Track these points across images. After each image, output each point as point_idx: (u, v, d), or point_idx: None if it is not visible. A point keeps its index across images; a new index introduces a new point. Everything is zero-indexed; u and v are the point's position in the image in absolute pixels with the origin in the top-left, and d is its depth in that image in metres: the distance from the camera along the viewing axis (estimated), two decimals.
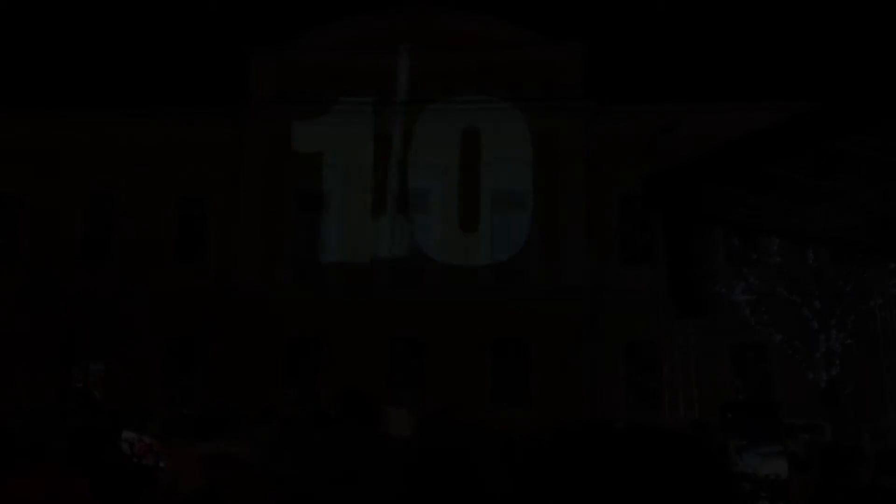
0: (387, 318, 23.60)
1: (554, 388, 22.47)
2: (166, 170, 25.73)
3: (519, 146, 24.99)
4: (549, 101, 25.40)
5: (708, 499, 0.66)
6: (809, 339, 21.47)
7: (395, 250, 25.34)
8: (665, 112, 23.40)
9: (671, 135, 16.46)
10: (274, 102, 26.16)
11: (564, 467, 0.73)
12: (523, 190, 25.36)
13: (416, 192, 25.56)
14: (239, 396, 18.83)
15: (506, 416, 20.34)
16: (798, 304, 21.52)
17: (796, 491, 6.67)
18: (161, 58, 36.24)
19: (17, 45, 40.20)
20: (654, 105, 24.32)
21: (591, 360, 20.72)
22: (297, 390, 24.53)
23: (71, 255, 22.94)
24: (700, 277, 10.46)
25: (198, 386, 24.54)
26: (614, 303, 23.24)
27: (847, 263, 20.45)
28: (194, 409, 19.22)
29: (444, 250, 24.78)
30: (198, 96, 26.80)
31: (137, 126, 26.26)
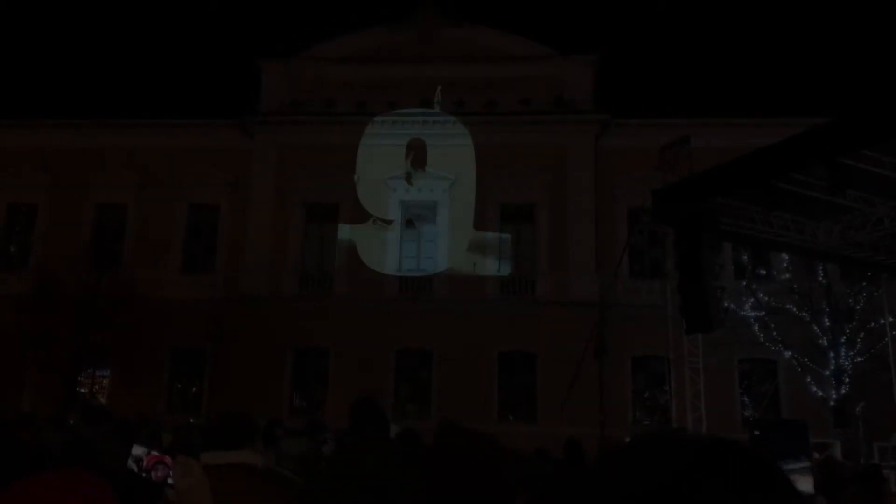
0: (394, 330, 23.57)
1: (561, 402, 22.31)
2: (176, 179, 25.86)
3: (528, 159, 25.01)
4: (558, 115, 25.41)
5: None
6: (819, 356, 21.32)
7: (403, 262, 25.35)
8: (675, 126, 23.34)
9: (681, 149, 16.41)
10: (284, 113, 26.27)
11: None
12: (532, 203, 25.36)
13: (425, 203, 25.60)
14: (245, 405, 18.77)
15: (512, 430, 20.24)
16: (807, 321, 21.39)
17: None
18: (173, 68, 36.57)
19: (34, 55, 40.61)
20: (664, 119, 24.28)
21: (599, 375, 20.59)
22: (304, 400, 24.54)
23: (80, 262, 23.01)
24: (710, 292, 10.43)
25: (204, 394, 24.55)
26: (622, 317, 23.14)
27: (857, 281, 20.33)
28: (201, 417, 19.20)
29: (453, 262, 24.77)
30: (209, 106, 27.01)
31: (148, 135, 26.41)
